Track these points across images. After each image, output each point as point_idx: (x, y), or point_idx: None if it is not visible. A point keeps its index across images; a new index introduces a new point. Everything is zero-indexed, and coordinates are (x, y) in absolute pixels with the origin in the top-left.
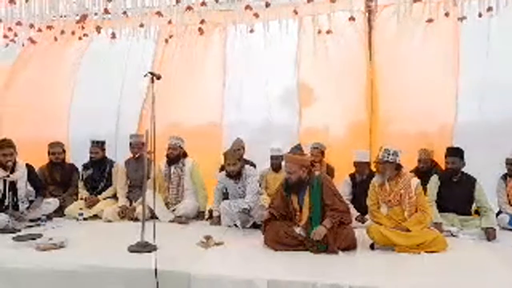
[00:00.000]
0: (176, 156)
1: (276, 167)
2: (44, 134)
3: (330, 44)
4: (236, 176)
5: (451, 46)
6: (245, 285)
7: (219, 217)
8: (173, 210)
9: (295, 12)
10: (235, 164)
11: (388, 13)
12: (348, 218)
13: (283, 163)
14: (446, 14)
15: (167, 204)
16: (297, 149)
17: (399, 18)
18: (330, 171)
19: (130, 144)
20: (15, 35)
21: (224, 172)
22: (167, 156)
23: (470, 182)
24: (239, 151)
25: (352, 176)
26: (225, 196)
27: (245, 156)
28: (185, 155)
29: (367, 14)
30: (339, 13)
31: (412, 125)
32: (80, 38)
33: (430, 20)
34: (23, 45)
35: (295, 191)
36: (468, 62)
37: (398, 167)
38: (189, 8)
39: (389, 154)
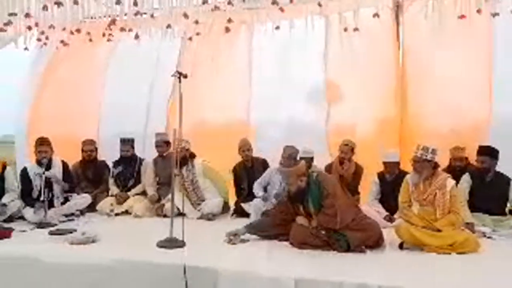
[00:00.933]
0: (182, 158)
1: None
2: (76, 132)
3: (358, 40)
4: None
5: (484, 42)
6: (272, 283)
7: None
8: (199, 210)
9: (319, 5)
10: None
11: (417, 8)
12: (332, 223)
13: (313, 163)
14: (478, 11)
15: (192, 204)
16: (290, 160)
17: (428, 13)
18: (359, 170)
19: (155, 142)
20: (47, 38)
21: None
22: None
23: (504, 181)
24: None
25: (380, 175)
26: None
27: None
28: (192, 155)
29: (395, 9)
30: (366, 9)
31: (443, 122)
32: (108, 40)
33: (462, 16)
34: (57, 48)
35: (298, 200)
36: (502, 58)
37: (436, 165)
38: (215, 8)
39: (427, 152)
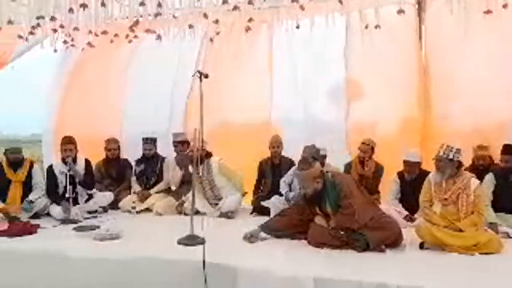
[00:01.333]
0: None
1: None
2: (100, 131)
3: (379, 38)
4: None
5: (509, 38)
6: (291, 282)
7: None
8: (218, 209)
9: (340, 2)
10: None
11: (440, 4)
12: (351, 223)
13: (326, 161)
14: (504, 6)
15: (210, 203)
16: (305, 163)
17: (453, 10)
18: (379, 170)
19: (173, 142)
20: (73, 40)
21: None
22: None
23: None
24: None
25: (400, 175)
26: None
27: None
28: (208, 155)
29: (417, 6)
30: (388, 7)
31: (467, 122)
32: (130, 41)
33: (488, 12)
34: (82, 49)
35: (315, 202)
36: None
37: (460, 165)
38: (235, 8)
39: (451, 152)
